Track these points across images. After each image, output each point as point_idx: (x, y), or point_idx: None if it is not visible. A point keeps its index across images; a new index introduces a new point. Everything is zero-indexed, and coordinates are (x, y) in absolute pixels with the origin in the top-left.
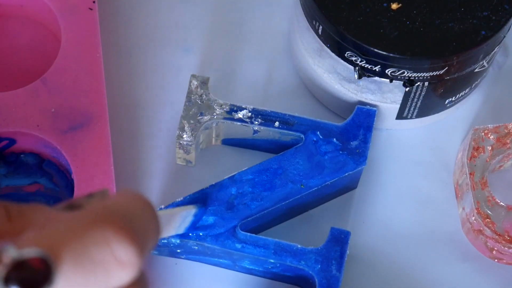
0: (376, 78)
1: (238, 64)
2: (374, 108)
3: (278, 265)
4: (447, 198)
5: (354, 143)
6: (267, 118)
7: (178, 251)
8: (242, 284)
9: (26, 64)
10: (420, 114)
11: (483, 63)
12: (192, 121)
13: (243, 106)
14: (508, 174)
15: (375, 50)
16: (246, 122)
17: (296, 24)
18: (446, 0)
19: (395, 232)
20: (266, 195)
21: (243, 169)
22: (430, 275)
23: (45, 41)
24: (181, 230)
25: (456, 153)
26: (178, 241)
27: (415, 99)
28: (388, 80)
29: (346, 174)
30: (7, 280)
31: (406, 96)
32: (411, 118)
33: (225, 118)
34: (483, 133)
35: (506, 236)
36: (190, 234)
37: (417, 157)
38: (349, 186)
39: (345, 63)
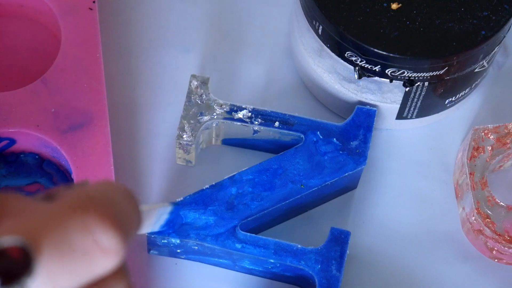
0: (376, 78)
1: (238, 64)
2: (374, 108)
3: (278, 265)
4: (447, 198)
5: (354, 143)
6: (267, 118)
7: (178, 251)
8: (242, 284)
9: (26, 64)
10: (420, 114)
11: (483, 63)
12: (192, 121)
13: (243, 106)
14: (508, 174)
15: (375, 50)
16: (246, 122)
17: (296, 24)
18: (446, 0)
19: (395, 232)
20: (266, 195)
21: (243, 169)
22: (430, 275)
23: (45, 41)
24: (156, 228)
25: (456, 153)
26: (178, 241)
27: (415, 99)
28: (388, 80)
29: (346, 174)
30: None
31: (406, 96)
32: (411, 118)
33: (225, 118)
34: (483, 133)
35: (506, 236)
36: (191, 234)
37: (417, 157)
38: (349, 186)
39: (345, 63)
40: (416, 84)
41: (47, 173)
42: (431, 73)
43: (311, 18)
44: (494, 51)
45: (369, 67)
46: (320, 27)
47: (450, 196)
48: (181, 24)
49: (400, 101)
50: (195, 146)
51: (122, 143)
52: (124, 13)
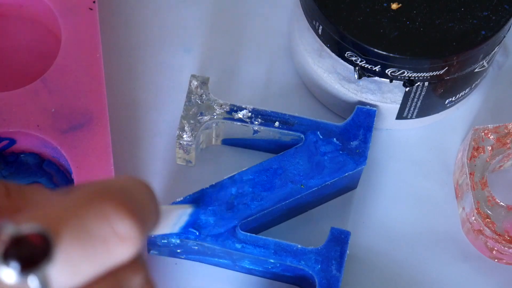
0: (376, 78)
1: (238, 64)
2: (374, 108)
3: (278, 265)
4: (447, 198)
5: (354, 143)
6: (267, 118)
7: (178, 251)
8: (242, 284)
9: (26, 64)
10: (420, 114)
11: (483, 63)
12: (192, 121)
13: (243, 106)
14: (508, 174)
15: (375, 50)
16: (246, 122)
17: (296, 24)
18: (446, 0)
19: (395, 232)
20: (266, 195)
21: (243, 169)
22: (430, 275)
23: (45, 41)
24: (175, 229)
25: (456, 153)
26: (178, 241)
27: (415, 99)
28: (388, 80)
29: (346, 174)
30: (6, 257)
31: (406, 96)
32: (411, 118)
33: (225, 118)
34: (483, 133)
35: (506, 236)
36: (191, 235)
37: (417, 157)
38: (349, 186)
39: (345, 63)
40: (416, 84)
41: (47, 173)
42: (431, 73)
43: (311, 18)
44: (494, 51)
45: (369, 67)
46: (320, 27)
47: (450, 196)
48: (181, 24)
49: (400, 101)
50: (195, 146)
51: (122, 143)
52: (124, 13)
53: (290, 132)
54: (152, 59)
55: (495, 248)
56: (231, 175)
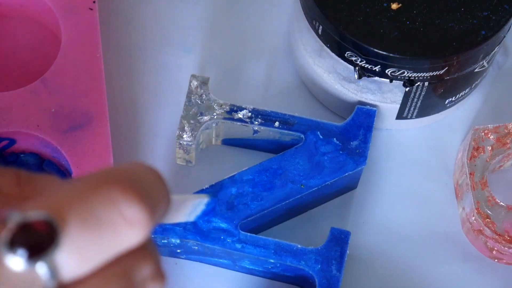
0: (376, 78)
1: (238, 64)
2: (374, 108)
3: (278, 265)
4: (447, 198)
5: (354, 143)
6: (267, 118)
7: (178, 251)
8: (242, 284)
9: (26, 64)
10: (420, 114)
11: (483, 63)
12: (192, 121)
13: (243, 106)
14: (508, 174)
15: (375, 50)
16: (246, 122)
17: (296, 24)
18: (446, 0)
19: (395, 232)
20: (266, 195)
21: (243, 169)
22: (430, 275)
23: (45, 41)
24: (191, 218)
25: (456, 153)
26: (178, 241)
27: (415, 99)
28: (388, 80)
29: (346, 174)
30: (13, 244)
31: (406, 96)
32: (411, 118)
33: (225, 118)
34: (483, 133)
35: (506, 236)
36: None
37: (417, 157)
38: (349, 186)
39: (345, 63)
40: (416, 84)
41: (48, 173)
42: (431, 73)
43: (311, 18)
44: (494, 51)
45: (369, 67)
46: (320, 27)
47: (450, 196)
48: (181, 24)
49: (400, 101)
50: (195, 146)
51: (122, 143)
52: (124, 13)
53: (290, 132)
54: (152, 59)
55: (495, 248)
56: (231, 175)
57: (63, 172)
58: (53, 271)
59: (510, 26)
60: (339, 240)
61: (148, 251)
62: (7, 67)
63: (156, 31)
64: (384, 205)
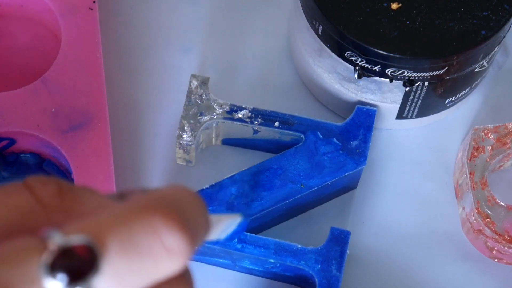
0: (376, 78)
1: (238, 64)
2: (374, 108)
3: (278, 265)
4: (447, 198)
5: (354, 143)
6: (267, 118)
7: None
8: (242, 284)
9: (26, 64)
10: (420, 114)
11: (483, 63)
12: (192, 121)
13: (243, 106)
14: (508, 174)
15: (375, 50)
16: (246, 122)
17: (296, 24)
18: (446, 0)
19: (395, 232)
20: (266, 195)
21: (243, 169)
22: (430, 275)
23: (45, 41)
24: (222, 237)
25: (456, 153)
26: None
27: (415, 99)
28: (388, 80)
29: (346, 174)
30: (53, 267)
31: (406, 96)
32: (411, 118)
33: (225, 118)
34: (483, 133)
35: (506, 236)
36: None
37: (417, 157)
38: (349, 186)
39: (345, 63)
40: (416, 84)
41: (47, 173)
42: (431, 73)
43: (311, 18)
44: (494, 51)
45: (369, 67)
46: (320, 27)
47: (450, 196)
48: (181, 24)
49: (400, 101)
50: (195, 146)
51: (122, 143)
52: (124, 13)
53: (290, 132)
54: (152, 59)
55: (495, 248)
56: (231, 175)
57: (63, 172)
58: None
59: (510, 26)
60: (339, 240)
61: (185, 279)
62: (7, 67)
63: (156, 31)
64: (384, 205)
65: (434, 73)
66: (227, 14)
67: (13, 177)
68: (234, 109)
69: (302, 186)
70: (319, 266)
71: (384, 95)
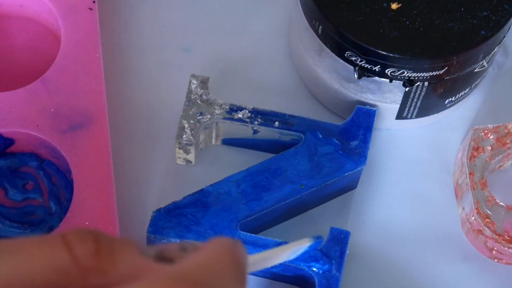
0: (376, 78)
1: (238, 64)
2: (374, 108)
3: (278, 265)
4: (447, 198)
5: (354, 143)
6: (267, 118)
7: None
8: None
9: (26, 64)
10: (420, 114)
11: (483, 63)
12: (192, 121)
13: (243, 106)
14: (508, 174)
15: (375, 50)
16: (246, 122)
17: (296, 24)
18: (446, 0)
19: (395, 232)
20: (266, 195)
21: (243, 169)
22: (430, 275)
23: (45, 41)
24: (291, 257)
25: (456, 153)
26: (178, 240)
27: (415, 99)
28: (388, 80)
29: (346, 174)
30: None
31: (406, 96)
32: (411, 118)
33: (225, 118)
34: (483, 133)
35: (506, 236)
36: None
37: (417, 157)
38: (349, 186)
39: (345, 63)
40: (416, 84)
41: (47, 173)
42: (431, 73)
43: (311, 18)
44: (494, 51)
45: (369, 67)
46: (320, 27)
47: (450, 196)
48: (181, 24)
49: (400, 101)
50: (195, 146)
51: (122, 143)
52: (124, 13)
53: (290, 132)
54: (152, 59)
55: (495, 248)
56: (230, 175)
57: (63, 172)
58: None
59: (510, 26)
60: (339, 240)
61: None
62: (7, 67)
63: (156, 31)
64: (384, 205)
65: (434, 73)
66: (227, 14)
67: (13, 176)
68: (234, 109)
69: (302, 186)
70: (319, 266)
71: (384, 95)
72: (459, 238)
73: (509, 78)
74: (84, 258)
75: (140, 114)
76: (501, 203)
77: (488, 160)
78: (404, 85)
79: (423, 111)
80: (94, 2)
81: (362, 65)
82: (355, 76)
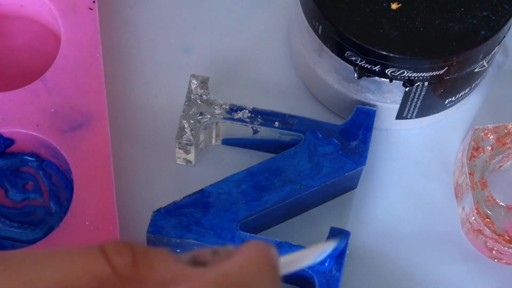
0: (376, 78)
1: (238, 64)
2: (374, 108)
3: None
4: (447, 198)
5: (354, 143)
6: (267, 118)
7: (178, 250)
8: None
9: (26, 64)
10: (420, 114)
11: (483, 63)
12: (192, 121)
13: (243, 106)
14: (508, 174)
15: (375, 50)
16: (246, 122)
17: (296, 24)
18: (446, 0)
19: (395, 232)
20: (266, 195)
21: (243, 169)
22: (430, 275)
23: (45, 41)
24: (317, 261)
25: (456, 153)
26: (178, 240)
27: (415, 99)
28: (388, 80)
29: (346, 174)
30: None
31: (406, 96)
32: (411, 118)
33: (225, 118)
34: (483, 133)
35: (505, 236)
36: (189, 233)
37: (417, 157)
38: (349, 186)
39: (345, 63)
40: (416, 84)
41: (47, 173)
42: (431, 73)
43: (311, 18)
44: (494, 51)
45: (369, 67)
46: (320, 27)
47: (450, 196)
48: (181, 24)
49: (400, 101)
50: (195, 146)
51: (122, 143)
52: (124, 13)
53: (290, 132)
54: (152, 59)
55: (495, 248)
56: (231, 175)
57: (63, 172)
58: None
59: (510, 26)
60: (339, 240)
61: None
62: (7, 67)
63: (156, 31)
64: (384, 205)
65: (434, 73)
66: (227, 14)
67: (13, 176)
68: (234, 109)
69: (302, 186)
70: (319, 266)
71: (384, 95)
72: (459, 238)
73: (509, 78)
74: (123, 268)
75: (140, 114)
76: (501, 203)
77: (488, 160)
78: (404, 85)
79: (423, 111)
80: (94, 2)
81: (362, 65)
82: (355, 76)
